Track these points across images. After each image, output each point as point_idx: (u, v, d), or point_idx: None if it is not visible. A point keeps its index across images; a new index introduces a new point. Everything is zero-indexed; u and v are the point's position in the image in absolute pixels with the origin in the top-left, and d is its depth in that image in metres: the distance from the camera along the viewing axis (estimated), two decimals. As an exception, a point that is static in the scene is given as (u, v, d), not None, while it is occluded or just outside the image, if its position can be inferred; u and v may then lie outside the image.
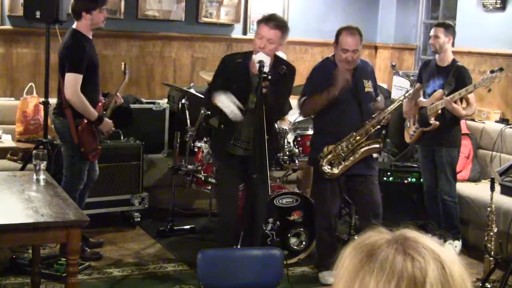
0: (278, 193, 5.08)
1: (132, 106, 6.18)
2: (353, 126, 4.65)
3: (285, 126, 5.51)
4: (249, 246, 4.36)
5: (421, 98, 5.58)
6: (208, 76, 5.49)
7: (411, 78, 5.26)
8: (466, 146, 5.99)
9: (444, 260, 1.09)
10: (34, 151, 4.03)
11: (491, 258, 4.41)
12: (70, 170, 4.87)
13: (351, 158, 4.65)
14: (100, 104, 4.91)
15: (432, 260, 1.08)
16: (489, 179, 4.73)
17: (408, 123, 5.67)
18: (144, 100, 6.56)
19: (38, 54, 6.37)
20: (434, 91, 5.42)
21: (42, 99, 5.28)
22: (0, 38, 6.34)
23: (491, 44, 6.55)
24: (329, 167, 4.65)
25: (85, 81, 4.71)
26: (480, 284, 4.45)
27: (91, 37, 4.84)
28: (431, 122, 5.35)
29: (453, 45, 5.54)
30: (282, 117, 5.22)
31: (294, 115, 5.93)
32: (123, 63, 5.26)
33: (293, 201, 5.14)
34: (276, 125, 5.27)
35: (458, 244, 5.44)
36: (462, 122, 5.78)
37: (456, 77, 5.33)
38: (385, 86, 7.36)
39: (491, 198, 4.46)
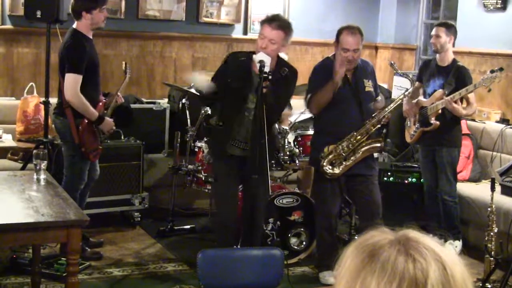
0: (278, 193, 5.08)
1: (132, 106, 6.18)
2: (353, 126, 4.64)
3: (285, 126, 5.51)
4: (249, 246, 4.36)
5: (422, 98, 5.58)
6: (208, 76, 5.48)
7: (411, 77, 5.26)
8: (466, 146, 5.99)
9: (446, 261, 1.09)
10: (34, 151, 4.03)
11: (492, 258, 4.41)
12: (70, 170, 4.87)
13: (352, 158, 4.65)
14: (100, 103, 4.91)
15: (433, 261, 1.08)
16: (490, 179, 4.73)
17: (408, 123, 5.67)
18: (144, 100, 6.56)
19: (38, 53, 6.37)
20: (435, 91, 5.42)
21: (42, 99, 5.28)
22: (1, 38, 6.34)
23: (492, 44, 6.55)
24: (331, 167, 4.65)
25: (86, 81, 4.71)
26: (481, 284, 4.45)
27: (91, 37, 4.83)
28: (432, 122, 5.35)
29: (453, 45, 5.54)
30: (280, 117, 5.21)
31: (294, 115, 5.93)
32: (124, 63, 5.26)
33: (294, 201, 5.14)
34: (276, 125, 5.28)
35: (458, 244, 5.44)
36: (463, 122, 5.78)
37: (456, 77, 5.33)
38: (385, 86, 7.37)
39: (492, 198, 4.46)
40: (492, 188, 4.47)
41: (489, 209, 4.49)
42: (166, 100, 6.67)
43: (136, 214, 5.83)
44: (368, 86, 4.75)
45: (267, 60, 4.06)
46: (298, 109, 5.94)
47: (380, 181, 5.26)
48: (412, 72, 6.30)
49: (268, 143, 4.03)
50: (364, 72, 4.77)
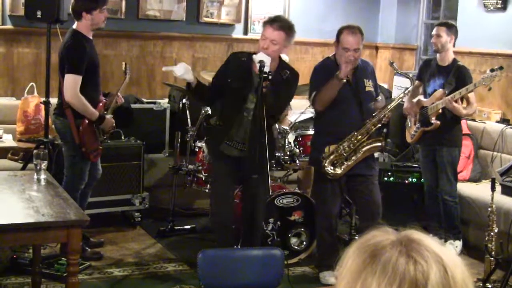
0: (278, 193, 5.08)
1: (132, 106, 6.18)
2: (353, 126, 4.64)
3: (285, 126, 5.51)
4: (249, 246, 4.36)
5: (422, 98, 5.58)
6: (209, 76, 5.49)
7: (410, 76, 5.25)
8: (467, 146, 5.99)
9: (447, 264, 1.09)
10: (35, 151, 4.03)
11: (492, 258, 4.41)
12: (71, 170, 4.87)
13: (353, 158, 4.65)
14: (101, 104, 4.91)
15: (434, 263, 1.08)
16: (490, 179, 4.73)
17: (409, 123, 5.67)
18: (145, 100, 6.57)
19: (39, 53, 6.37)
20: (435, 90, 5.42)
21: (43, 99, 5.28)
22: (1, 38, 6.34)
23: (492, 44, 6.55)
24: (332, 167, 4.65)
25: (86, 82, 4.71)
26: (481, 284, 4.45)
27: (91, 37, 4.83)
28: (432, 121, 5.35)
29: (454, 45, 5.54)
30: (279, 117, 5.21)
31: (294, 115, 5.93)
32: (124, 63, 5.25)
33: (294, 201, 5.14)
34: (276, 125, 5.28)
35: (459, 244, 5.44)
36: (463, 122, 5.78)
37: (456, 77, 5.33)
38: (385, 86, 7.37)
39: (492, 198, 4.46)
40: (493, 188, 4.47)
41: (489, 209, 4.49)
42: (166, 100, 6.67)
43: (136, 214, 5.83)
44: (369, 86, 4.75)
45: (267, 60, 4.06)
46: (298, 109, 5.95)
47: (381, 181, 5.26)
48: (412, 72, 6.30)
49: (268, 143, 4.03)
50: (364, 72, 4.77)
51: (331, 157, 4.64)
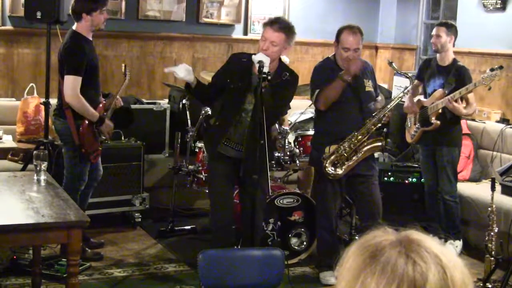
0: (279, 193, 5.08)
1: (133, 106, 6.17)
2: (353, 126, 4.65)
3: (285, 126, 5.51)
4: (249, 246, 4.36)
5: (422, 98, 5.58)
6: (208, 77, 5.49)
7: (410, 75, 5.25)
8: (467, 146, 5.99)
9: (446, 265, 1.09)
10: (35, 152, 4.03)
11: (492, 258, 4.40)
12: (71, 171, 4.87)
13: (354, 158, 4.65)
14: (101, 105, 4.91)
15: (433, 264, 1.08)
16: (490, 179, 4.72)
17: (409, 123, 5.67)
18: (144, 101, 6.56)
19: (39, 54, 6.37)
20: (435, 90, 5.42)
21: (42, 100, 5.28)
22: (1, 39, 6.34)
23: (492, 44, 6.55)
24: (333, 168, 4.65)
25: (85, 83, 4.71)
26: (481, 284, 4.45)
27: (91, 38, 4.83)
28: (432, 121, 5.35)
29: (453, 45, 5.54)
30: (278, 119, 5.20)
31: (294, 115, 5.93)
32: (123, 65, 5.25)
33: (294, 201, 5.14)
34: (277, 126, 5.28)
35: (459, 244, 5.44)
36: (463, 122, 5.78)
37: (456, 77, 5.33)
38: (385, 86, 7.37)
39: (492, 198, 4.45)
40: (493, 188, 4.47)
41: (489, 209, 4.48)
42: (166, 100, 6.67)
43: (136, 214, 5.83)
44: (368, 86, 4.75)
45: (266, 61, 4.06)
46: (298, 109, 5.95)
47: (381, 181, 5.26)
48: (412, 72, 6.30)
49: (267, 144, 4.03)
50: (364, 72, 4.77)
51: (332, 157, 4.64)
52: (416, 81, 5.53)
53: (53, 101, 5.13)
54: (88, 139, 4.80)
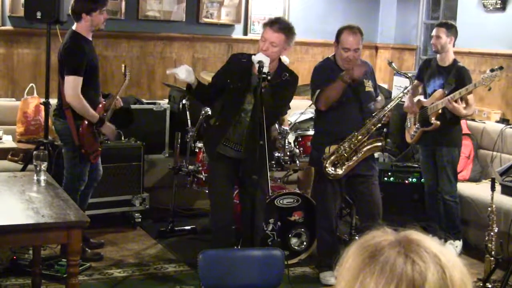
0: (279, 193, 5.08)
1: (132, 106, 6.17)
2: (353, 126, 4.65)
3: (285, 126, 5.51)
4: (249, 247, 4.36)
5: (422, 98, 5.58)
6: (209, 77, 5.49)
7: (410, 75, 5.25)
8: (466, 146, 5.99)
9: (445, 265, 1.09)
10: (34, 152, 4.03)
11: (492, 258, 4.40)
12: (70, 171, 4.87)
13: (354, 158, 4.65)
14: (100, 105, 4.91)
15: (432, 264, 1.09)
16: (490, 179, 4.73)
17: (408, 123, 5.67)
18: (144, 101, 6.56)
19: (38, 54, 6.37)
20: (435, 90, 5.42)
21: (42, 100, 5.28)
22: (1, 39, 6.34)
23: (492, 44, 6.55)
24: (333, 168, 4.65)
25: (85, 83, 4.71)
26: (481, 284, 4.45)
27: (90, 39, 4.83)
28: (432, 121, 5.35)
29: (453, 45, 5.54)
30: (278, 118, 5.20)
31: (294, 116, 5.94)
32: (123, 65, 5.25)
33: (294, 202, 5.14)
34: (277, 126, 5.28)
35: (459, 244, 5.44)
36: (463, 122, 5.78)
37: (456, 78, 5.33)
38: (385, 86, 7.37)
39: (492, 198, 4.45)
40: (492, 188, 4.47)
41: (489, 209, 4.49)
42: (166, 100, 6.67)
43: (136, 214, 5.83)
44: (368, 86, 4.75)
45: (266, 61, 4.06)
46: (298, 110, 5.95)
47: (381, 181, 5.26)
48: (412, 72, 6.31)
49: (266, 144, 4.02)
50: (364, 72, 4.76)
51: (332, 157, 4.64)
52: (416, 81, 5.53)
53: (53, 101, 5.13)
54: (88, 140, 4.80)
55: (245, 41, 7.26)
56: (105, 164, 5.39)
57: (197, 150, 5.63)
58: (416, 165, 5.97)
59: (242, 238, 4.62)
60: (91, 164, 4.95)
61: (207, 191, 5.55)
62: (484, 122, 6.33)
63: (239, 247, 4.63)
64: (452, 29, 5.43)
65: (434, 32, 5.49)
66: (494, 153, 6.06)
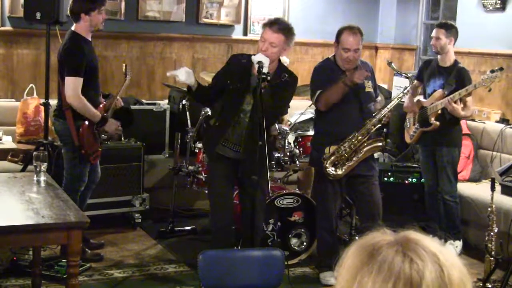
0: (279, 194, 5.08)
1: (132, 107, 6.17)
2: (354, 126, 4.65)
3: (285, 127, 5.51)
4: (249, 247, 4.36)
5: (421, 98, 5.58)
6: (208, 77, 5.49)
7: (409, 76, 5.25)
8: (466, 146, 5.99)
9: (444, 263, 1.10)
10: (34, 153, 4.03)
11: (492, 258, 4.41)
12: (70, 172, 4.87)
13: (354, 158, 4.65)
14: (101, 106, 4.91)
15: (431, 262, 1.09)
16: (490, 179, 4.73)
17: (408, 124, 5.67)
18: (144, 101, 6.57)
19: (38, 55, 6.37)
20: (434, 91, 5.42)
21: (42, 100, 5.29)
22: (1, 39, 6.34)
23: (491, 45, 6.55)
24: (333, 168, 4.65)
25: (85, 84, 4.71)
26: (481, 284, 4.45)
27: (90, 39, 4.83)
28: (431, 122, 5.35)
29: (454, 45, 5.53)
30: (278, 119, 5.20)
31: (294, 116, 5.93)
32: (124, 65, 5.25)
33: (294, 202, 5.14)
34: (277, 126, 5.28)
35: (459, 244, 5.44)
36: (463, 122, 5.78)
37: (457, 78, 5.33)
38: (385, 86, 7.37)
39: (492, 198, 4.46)
40: (492, 188, 4.47)
41: (489, 209, 4.49)
42: (166, 101, 6.67)
43: (136, 215, 5.83)
44: (368, 86, 4.75)
45: (266, 61, 4.06)
46: (298, 110, 5.95)
47: (381, 181, 5.26)
48: (412, 73, 6.31)
49: (266, 144, 4.02)
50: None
51: (332, 158, 4.64)
52: (415, 81, 5.53)
53: (53, 102, 5.13)
54: (88, 140, 4.80)
55: (245, 42, 7.26)
56: (105, 164, 5.39)
57: (197, 150, 5.63)
58: (416, 165, 5.97)
59: (242, 238, 4.62)
60: (91, 165, 4.95)
61: (207, 192, 5.55)
62: (484, 122, 6.33)
63: (239, 247, 4.63)
64: (451, 30, 5.42)
65: (433, 33, 5.48)
66: (494, 153, 6.06)
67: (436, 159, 5.46)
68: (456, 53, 5.63)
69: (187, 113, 5.78)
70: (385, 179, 5.83)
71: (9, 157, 5.73)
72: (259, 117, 3.99)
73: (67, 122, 4.77)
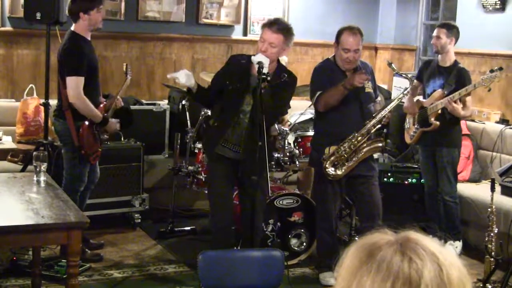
0: (278, 194, 5.08)
1: (132, 107, 6.17)
2: (353, 127, 4.65)
3: (285, 127, 5.51)
4: (249, 247, 4.36)
5: (421, 98, 5.58)
6: (208, 77, 5.49)
7: (409, 76, 5.25)
8: (466, 146, 5.99)
9: (443, 263, 1.10)
10: (34, 153, 4.03)
11: (492, 259, 4.41)
12: (70, 172, 4.87)
13: (354, 159, 4.65)
14: (101, 106, 4.91)
15: (430, 262, 1.09)
16: (490, 180, 4.73)
17: (408, 124, 5.67)
18: (144, 101, 6.57)
19: (38, 55, 6.37)
20: (434, 91, 5.42)
21: (42, 101, 5.28)
22: (1, 40, 6.34)
23: (491, 45, 6.55)
24: (333, 169, 4.65)
25: (85, 84, 4.71)
26: (481, 285, 4.45)
27: (89, 39, 4.83)
28: (431, 122, 5.35)
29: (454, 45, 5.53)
30: (278, 118, 5.20)
31: (294, 116, 5.93)
32: (124, 64, 5.25)
33: (294, 202, 5.14)
34: (276, 126, 5.28)
35: (458, 244, 5.44)
36: (463, 123, 5.78)
37: (456, 78, 5.33)
38: (385, 87, 7.37)
39: (492, 198, 4.45)
40: (492, 189, 4.47)
41: (489, 209, 4.49)
42: (166, 101, 6.67)
43: (136, 215, 5.83)
44: (368, 87, 4.75)
45: (266, 62, 4.06)
46: (297, 110, 5.95)
47: (380, 181, 5.26)
48: (411, 73, 6.31)
49: (266, 145, 4.02)
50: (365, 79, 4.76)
51: (332, 158, 4.64)
52: (415, 82, 5.53)
53: (53, 102, 5.13)
54: (88, 141, 4.79)
55: (245, 42, 7.26)
56: (105, 164, 5.39)
57: (196, 150, 5.63)
58: (416, 166, 5.97)
59: (242, 239, 4.62)
60: (90, 165, 4.95)
61: (206, 192, 5.55)
62: (484, 123, 6.33)
63: (238, 248, 4.63)
64: (453, 30, 5.43)
65: (434, 33, 5.49)
66: (494, 153, 6.06)
67: (436, 159, 5.46)
68: (456, 53, 5.64)
69: (187, 113, 5.78)
70: (385, 179, 5.83)
71: (9, 157, 5.73)
72: (259, 118, 3.99)
73: (67, 122, 4.77)
